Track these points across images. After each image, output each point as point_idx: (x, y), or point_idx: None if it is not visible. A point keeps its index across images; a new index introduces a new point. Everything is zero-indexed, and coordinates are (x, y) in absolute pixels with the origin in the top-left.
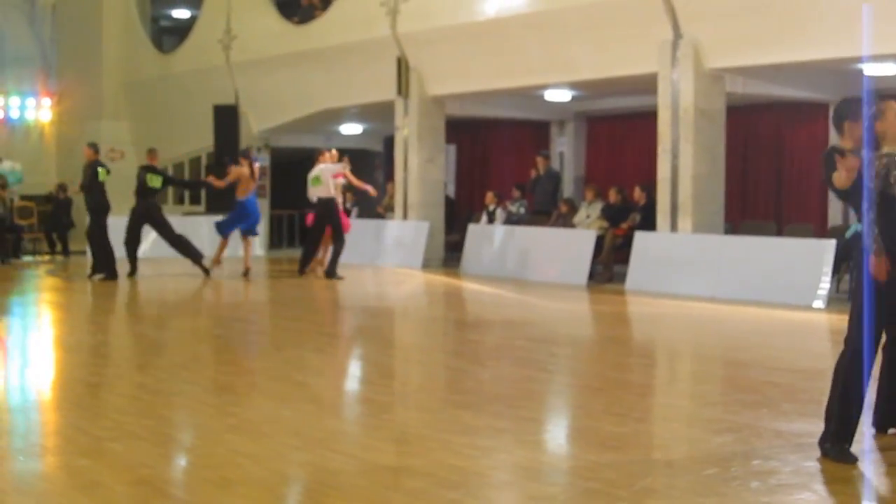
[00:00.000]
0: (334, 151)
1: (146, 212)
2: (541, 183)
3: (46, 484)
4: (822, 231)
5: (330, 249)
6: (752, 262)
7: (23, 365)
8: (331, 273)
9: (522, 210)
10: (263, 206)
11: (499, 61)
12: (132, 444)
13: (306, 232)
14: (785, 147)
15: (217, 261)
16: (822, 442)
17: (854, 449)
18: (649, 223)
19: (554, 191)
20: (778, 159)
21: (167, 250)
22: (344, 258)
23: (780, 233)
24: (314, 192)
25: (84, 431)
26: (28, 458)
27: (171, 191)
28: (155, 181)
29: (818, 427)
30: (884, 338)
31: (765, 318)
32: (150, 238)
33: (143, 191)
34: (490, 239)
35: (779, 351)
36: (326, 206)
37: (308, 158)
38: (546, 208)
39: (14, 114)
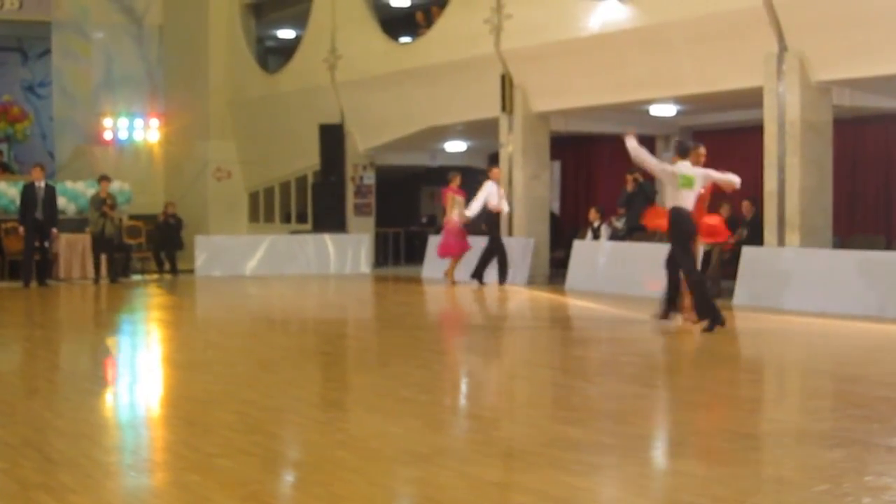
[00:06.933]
0: (495, 169)
1: None
2: (636, 199)
3: (157, 500)
4: None
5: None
6: (861, 277)
7: (132, 382)
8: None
9: (627, 226)
10: (369, 225)
11: (603, 77)
12: (241, 461)
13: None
14: (894, 159)
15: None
16: None
17: None
18: (756, 237)
19: (648, 205)
20: (887, 172)
21: (275, 268)
22: None
23: (889, 246)
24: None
25: (193, 448)
26: (139, 474)
27: (277, 208)
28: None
29: None
30: None
31: (874, 332)
32: (256, 256)
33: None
34: (595, 255)
35: (889, 366)
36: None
37: (413, 176)
38: (641, 224)
39: (122, 135)
